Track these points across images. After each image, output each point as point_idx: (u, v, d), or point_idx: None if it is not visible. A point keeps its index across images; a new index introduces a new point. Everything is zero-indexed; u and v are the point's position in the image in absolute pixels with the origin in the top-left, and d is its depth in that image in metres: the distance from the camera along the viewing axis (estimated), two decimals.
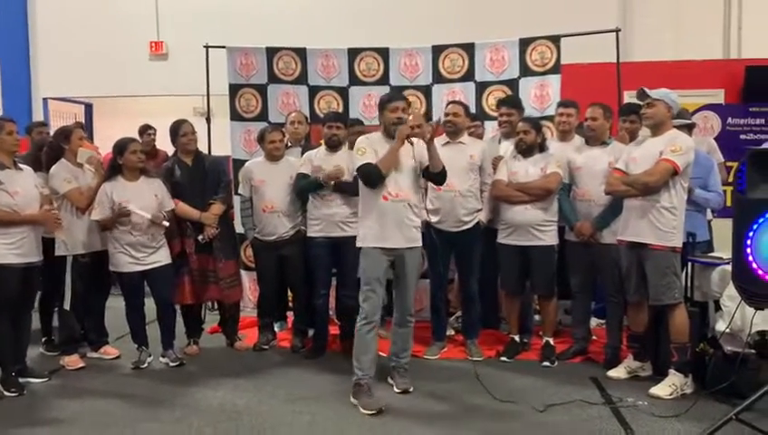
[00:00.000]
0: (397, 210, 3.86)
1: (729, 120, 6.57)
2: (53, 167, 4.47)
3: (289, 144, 5.24)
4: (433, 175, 3.97)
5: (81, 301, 4.57)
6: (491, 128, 5.35)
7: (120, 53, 8.57)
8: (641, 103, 4.02)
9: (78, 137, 4.55)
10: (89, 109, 9.68)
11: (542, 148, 4.54)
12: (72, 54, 8.67)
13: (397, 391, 3.99)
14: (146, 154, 4.89)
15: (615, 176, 4.07)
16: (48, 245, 4.34)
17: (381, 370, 4.18)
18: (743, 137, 6.53)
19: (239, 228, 5.15)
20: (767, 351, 3.82)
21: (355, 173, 4.07)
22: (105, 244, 4.54)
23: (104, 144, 5.88)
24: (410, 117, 3.95)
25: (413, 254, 3.94)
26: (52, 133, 5.07)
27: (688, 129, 4.55)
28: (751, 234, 3.05)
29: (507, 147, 4.76)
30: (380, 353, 4.33)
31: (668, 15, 7.61)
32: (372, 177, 3.83)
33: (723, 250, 4.12)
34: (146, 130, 6.47)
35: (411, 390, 3.98)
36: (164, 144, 6.14)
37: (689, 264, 4.18)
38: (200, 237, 4.67)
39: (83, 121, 8.51)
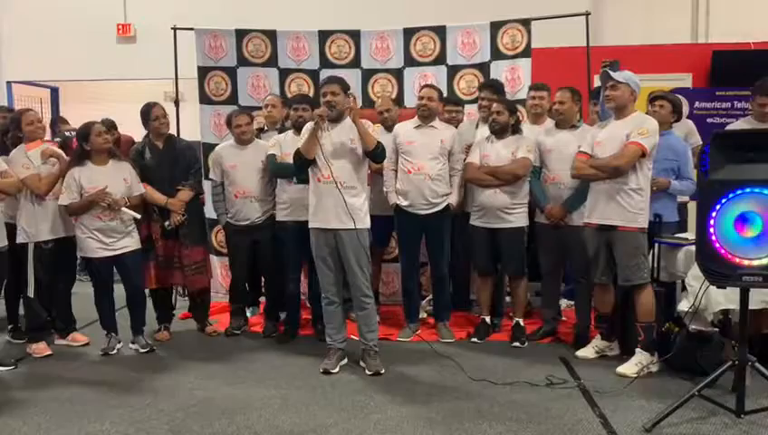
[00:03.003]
0: (329, 191, 3.96)
1: (696, 103, 6.66)
2: (12, 152, 4.39)
3: (265, 127, 5.20)
4: (369, 153, 3.99)
5: (46, 288, 4.49)
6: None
7: (87, 35, 8.37)
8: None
9: (27, 122, 4.44)
10: (55, 93, 9.47)
11: (515, 129, 4.56)
12: (38, 37, 8.46)
13: (368, 373, 4.02)
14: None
15: (581, 160, 4.11)
16: (9, 231, 4.27)
17: (351, 354, 4.23)
18: (710, 120, 6.62)
19: (211, 213, 5.10)
20: (730, 329, 3.91)
21: None
22: (68, 230, 4.48)
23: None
24: (336, 100, 3.99)
25: (349, 236, 3.97)
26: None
27: (679, 115, 4.59)
28: (714, 214, 3.10)
29: (486, 131, 4.75)
30: (352, 337, 4.38)
31: (638, 0, 7.68)
32: (295, 159, 4.04)
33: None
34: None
35: (383, 371, 4.01)
36: (128, 129, 6.06)
37: (656, 245, 4.25)
38: (166, 223, 4.62)
39: (43, 107, 8.30)
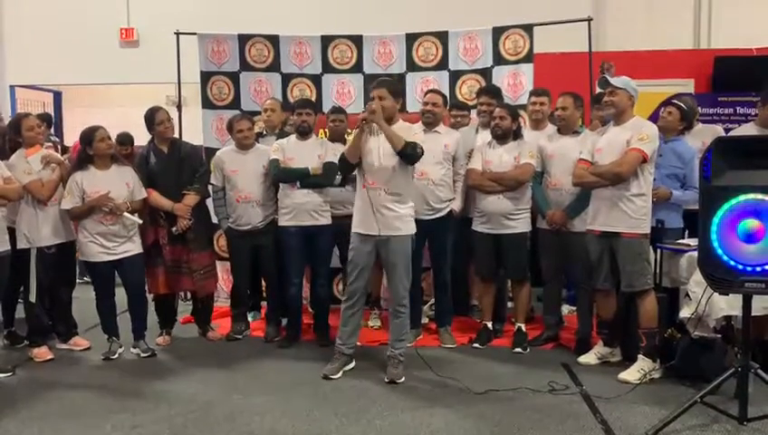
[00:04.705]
0: (373, 198, 3.92)
1: (699, 109, 6.64)
2: (12, 157, 4.38)
3: (264, 132, 5.20)
4: (398, 155, 3.87)
5: (47, 293, 4.49)
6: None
7: (90, 39, 8.41)
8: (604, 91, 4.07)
9: (27, 127, 4.43)
10: (58, 97, 9.51)
11: (516, 135, 4.56)
12: (41, 41, 8.50)
13: (385, 380, 3.99)
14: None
15: (582, 167, 4.11)
16: (10, 236, 4.28)
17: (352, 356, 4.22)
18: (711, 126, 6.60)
19: (213, 218, 5.10)
20: (732, 335, 3.90)
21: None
22: (69, 234, 4.48)
23: (74, 133, 5.79)
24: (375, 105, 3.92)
25: (395, 242, 3.93)
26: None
27: (689, 123, 4.57)
28: (716, 220, 3.10)
29: (486, 136, 4.75)
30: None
31: (640, 5, 7.69)
32: (340, 164, 4.08)
33: None
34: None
35: (399, 381, 3.96)
36: (131, 133, 6.05)
37: (658, 251, 4.25)
38: (173, 229, 4.62)
39: (46, 111, 8.29)
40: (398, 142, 3.83)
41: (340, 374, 4.07)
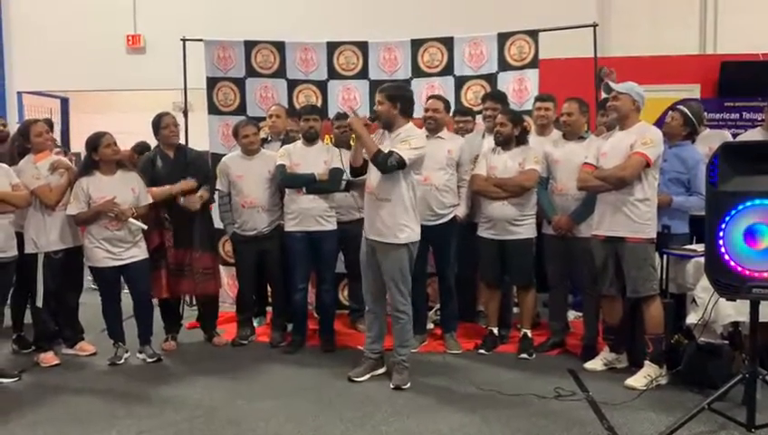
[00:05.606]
0: (369, 202, 3.99)
1: (705, 114, 6.63)
2: (21, 162, 4.40)
3: (269, 138, 5.22)
4: (372, 163, 3.90)
5: (54, 298, 4.50)
6: None
7: (97, 46, 8.47)
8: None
9: (36, 133, 4.45)
10: (65, 103, 9.56)
11: (520, 141, 4.55)
12: (48, 48, 8.56)
13: (391, 386, 3.98)
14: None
15: (586, 171, 4.11)
16: (18, 241, 4.29)
17: (352, 360, 4.20)
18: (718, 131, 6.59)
19: (218, 224, 5.11)
20: (740, 341, 3.87)
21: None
22: (76, 240, 4.50)
23: (81, 139, 5.82)
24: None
25: (384, 249, 3.95)
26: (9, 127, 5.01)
27: (692, 128, 4.57)
28: (723, 226, 3.09)
29: (491, 142, 4.73)
30: (358, 347, 4.37)
31: (645, 11, 7.70)
32: (350, 169, 4.15)
33: None
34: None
35: (405, 387, 3.95)
36: (137, 139, 6.07)
37: (664, 256, 4.23)
38: (181, 200, 4.61)
39: (53, 117, 8.35)
40: (370, 151, 3.89)
41: (365, 378, 4.08)
